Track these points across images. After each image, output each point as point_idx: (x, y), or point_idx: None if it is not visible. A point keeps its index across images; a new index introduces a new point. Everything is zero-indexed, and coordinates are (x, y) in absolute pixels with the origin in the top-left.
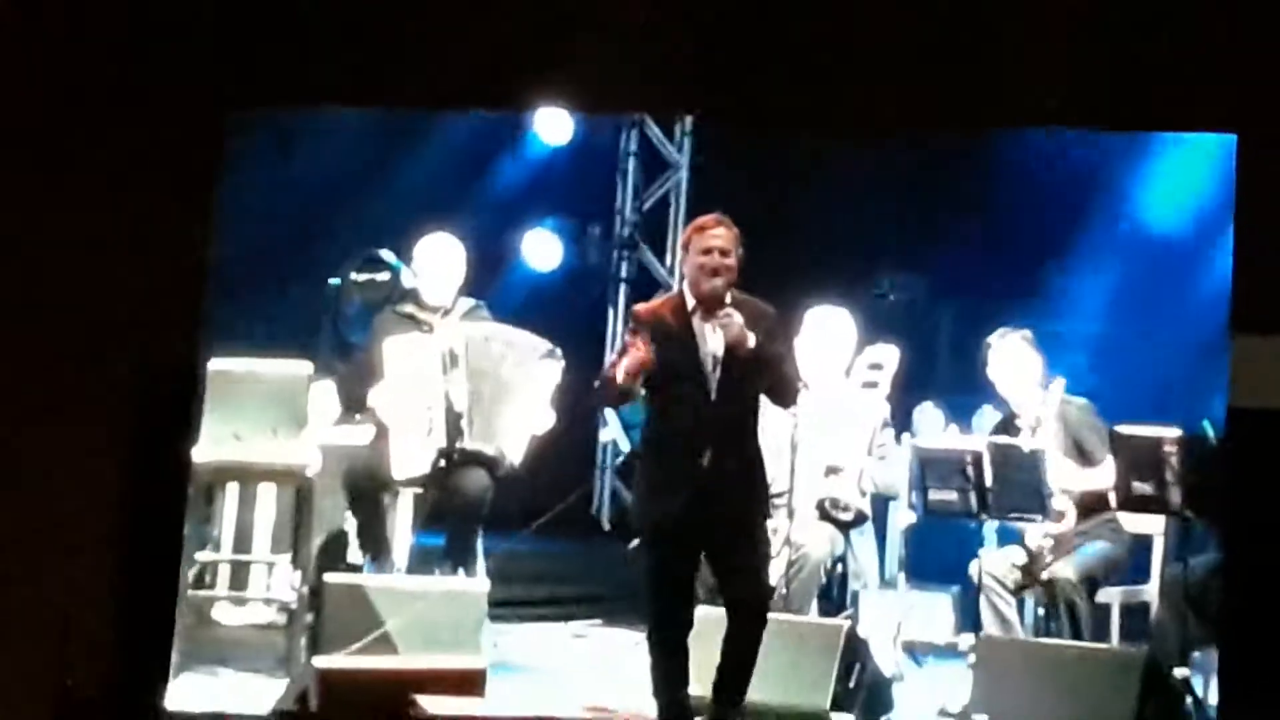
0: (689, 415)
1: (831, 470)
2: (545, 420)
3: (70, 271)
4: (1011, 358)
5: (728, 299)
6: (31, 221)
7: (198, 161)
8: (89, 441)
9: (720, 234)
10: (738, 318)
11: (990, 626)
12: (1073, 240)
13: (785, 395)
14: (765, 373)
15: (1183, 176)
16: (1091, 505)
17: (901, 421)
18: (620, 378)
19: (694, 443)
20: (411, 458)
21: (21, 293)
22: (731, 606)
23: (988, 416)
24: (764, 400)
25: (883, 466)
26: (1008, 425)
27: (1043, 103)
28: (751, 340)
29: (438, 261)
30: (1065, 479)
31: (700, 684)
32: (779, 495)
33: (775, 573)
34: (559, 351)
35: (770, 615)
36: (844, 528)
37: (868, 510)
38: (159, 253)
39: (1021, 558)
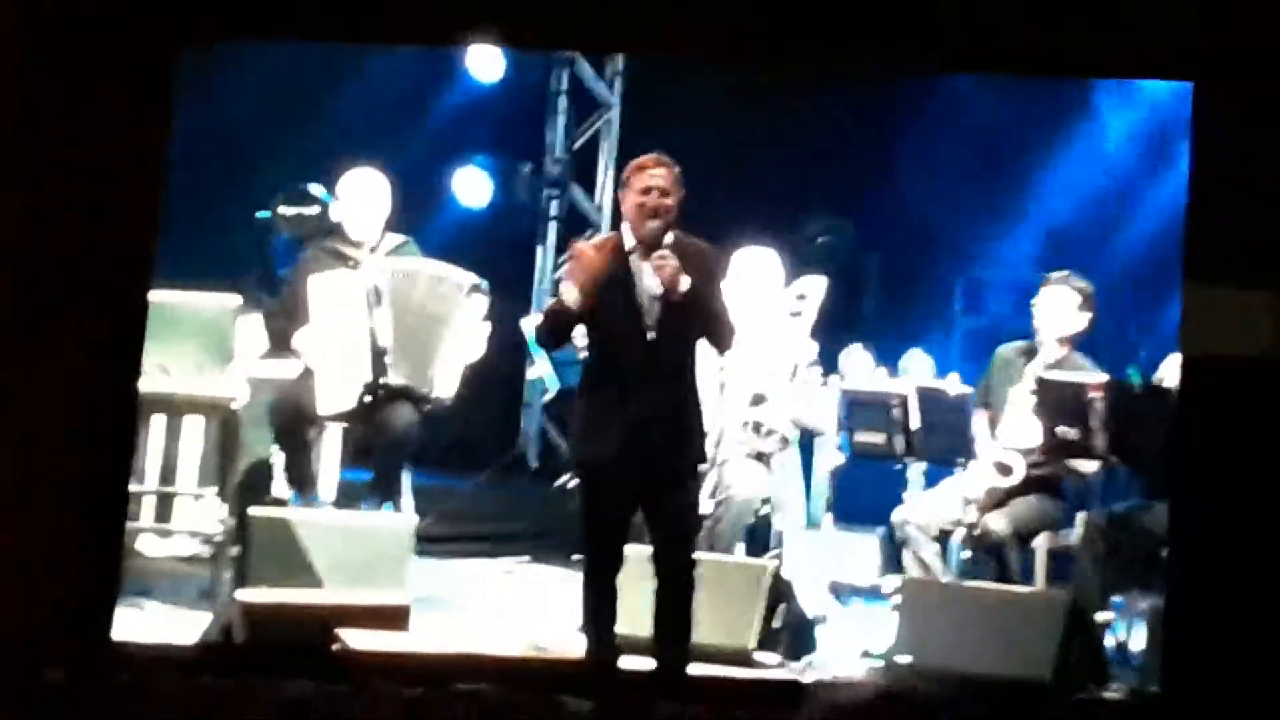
0: (625, 356)
1: (757, 399)
2: (475, 351)
3: (23, 203)
4: (1056, 302)
5: (668, 239)
6: None
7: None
8: (36, 371)
9: (660, 174)
10: (673, 261)
11: (912, 571)
12: (1009, 187)
13: (721, 338)
14: (702, 316)
15: (1123, 123)
16: (1046, 460)
17: (829, 364)
18: (571, 295)
19: (630, 383)
20: (336, 393)
21: None
22: (659, 552)
23: (915, 359)
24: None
25: (808, 400)
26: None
27: (994, 47)
28: (686, 283)
29: (363, 196)
30: (1027, 435)
31: (628, 622)
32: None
33: (702, 513)
34: (485, 285)
35: (697, 555)
36: (767, 459)
37: (791, 437)
38: (113, 183)
39: (952, 504)
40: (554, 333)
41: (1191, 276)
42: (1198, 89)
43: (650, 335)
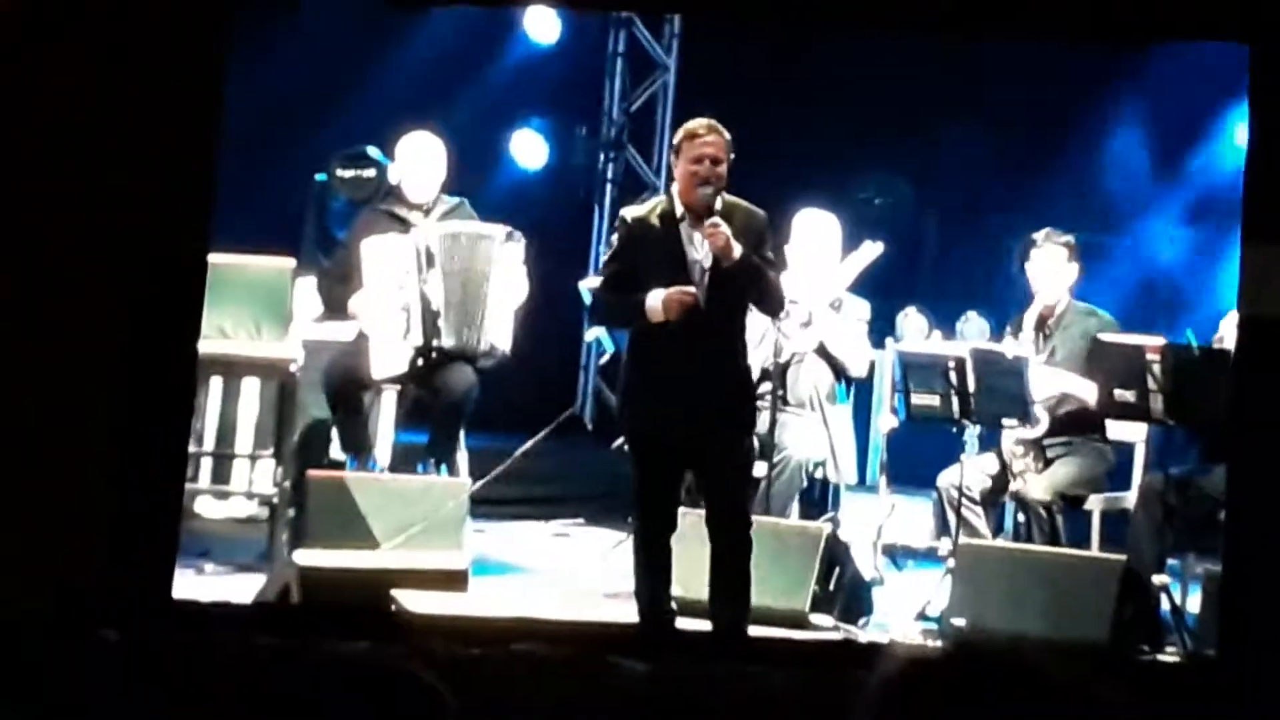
0: (675, 323)
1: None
2: (519, 296)
3: (79, 160)
4: (1048, 260)
5: (718, 205)
6: (35, 108)
7: (204, 54)
8: (96, 331)
9: (712, 141)
10: (725, 228)
11: (960, 535)
12: (1066, 147)
13: (771, 304)
14: (751, 283)
15: (1182, 84)
16: (1080, 420)
17: (887, 327)
18: (656, 314)
19: (679, 349)
20: (390, 357)
21: (28, 182)
22: (714, 516)
23: (972, 322)
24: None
25: (845, 334)
26: (1038, 325)
27: (1047, 11)
28: (738, 251)
29: (420, 159)
30: (1048, 386)
31: (680, 585)
32: (762, 398)
33: (757, 474)
34: (517, 234)
35: (752, 518)
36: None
37: (822, 321)
38: (170, 144)
39: (992, 466)
40: (612, 321)
41: (1250, 237)
42: (1255, 51)
43: (700, 300)
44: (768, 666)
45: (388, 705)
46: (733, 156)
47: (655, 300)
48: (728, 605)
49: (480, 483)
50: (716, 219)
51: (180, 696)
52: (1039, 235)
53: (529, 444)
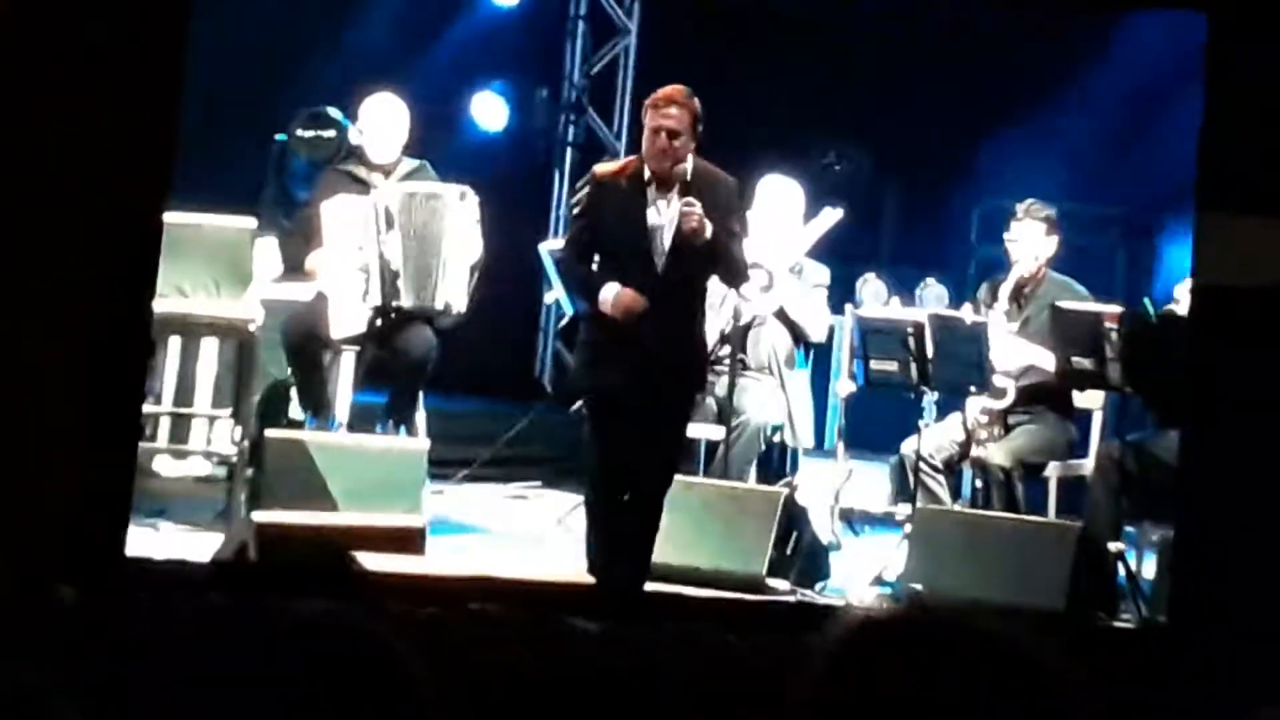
0: (634, 284)
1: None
2: (473, 253)
3: (35, 120)
4: (1028, 233)
5: (686, 172)
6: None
7: (166, 10)
8: (50, 290)
9: (671, 114)
10: (698, 209)
11: (920, 501)
12: (1022, 115)
13: (735, 276)
14: (715, 259)
15: (1139, 51)
16: (1045, 391)
17: (846, 293)
18: (606, 308)
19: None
20: (349, 317)
21: None
22: (645, 476)
23: (931, 289)
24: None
25: (805, 299)
26: (1013, 295)
27: None
28: (709, 231)
29: (382, 120)
30: (1015, 357)
31: (671, 552)
32: (721, 362)
33: (715, 437)
34: (470, 192)
35: (709, 481)
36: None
37: (782, 285)
38: (128, 101)
39: (957, 433)
40: (568, 286)
41: (1204, 205)
42: (1210, 19)
43: (659, 269)
44: (722, 629)
45: (346, 665)
46: (700, 127)
47: (609, 294)
48: (630, 562)
49: (438, 444)
50: (692, 201)
51: (134, 654)
52: (1020, 207)
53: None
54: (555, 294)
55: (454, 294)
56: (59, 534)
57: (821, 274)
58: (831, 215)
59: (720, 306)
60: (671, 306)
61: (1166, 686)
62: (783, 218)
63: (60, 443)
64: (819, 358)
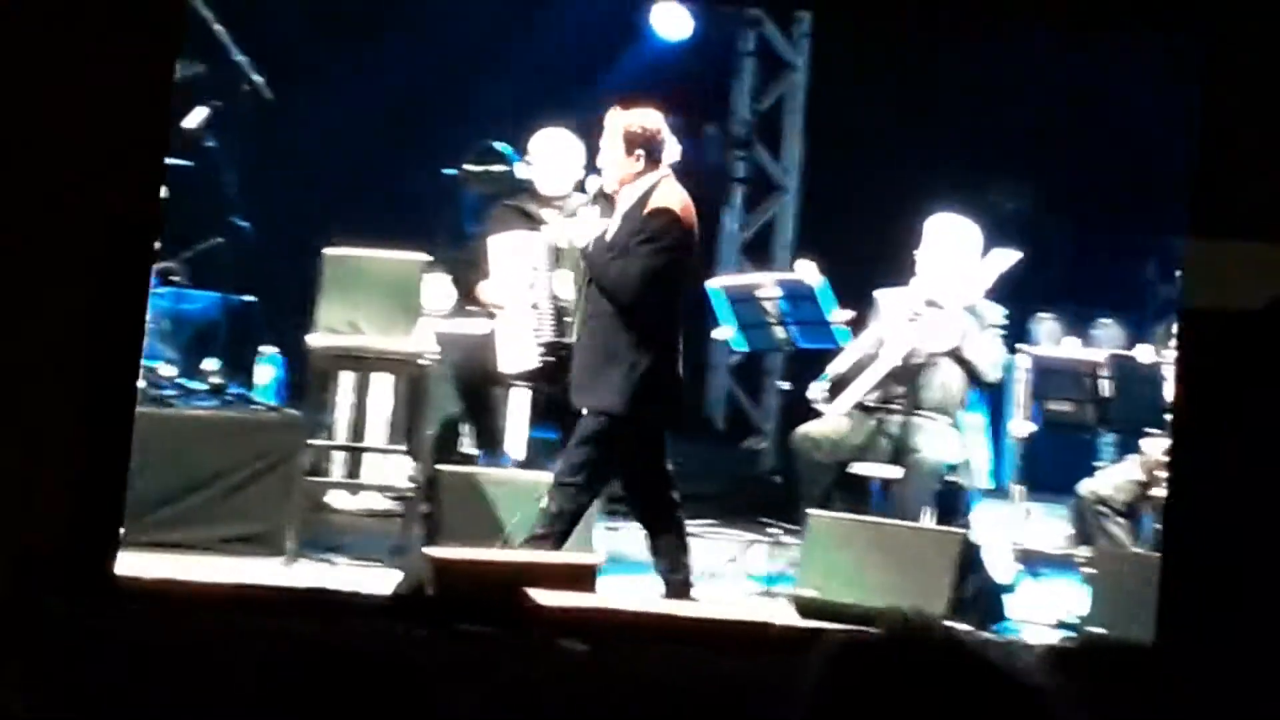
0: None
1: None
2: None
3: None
4: None
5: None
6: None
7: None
8: (46, 301)
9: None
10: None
11: (1099, 543)
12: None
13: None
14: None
15: None
16: None
17: (1021, 333)
18: None
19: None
20: (519, 353)
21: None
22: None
23: (1106, 329)
24: None
25: (981, 338)
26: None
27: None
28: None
29: (554, 155)
30: None
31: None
32: (899, 399)
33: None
34: None
35: (884, 520)
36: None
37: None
38: (123, 106)
39: (1136, 474)
40: None
41: (1195, 233)
42: (1209, 46)
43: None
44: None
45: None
46: (614, 138)
47: None
48: None
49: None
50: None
51: (120, 670)
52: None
53: None
54: (724, 332)
55: None
56: (49, 547)
57: (996, 314)
58: (1008, 256)
59: (891, 345)
60: (596, 317)
61: (1157, 708)
62: (956, 257)
63: (58, 458)
64: (994, 398)
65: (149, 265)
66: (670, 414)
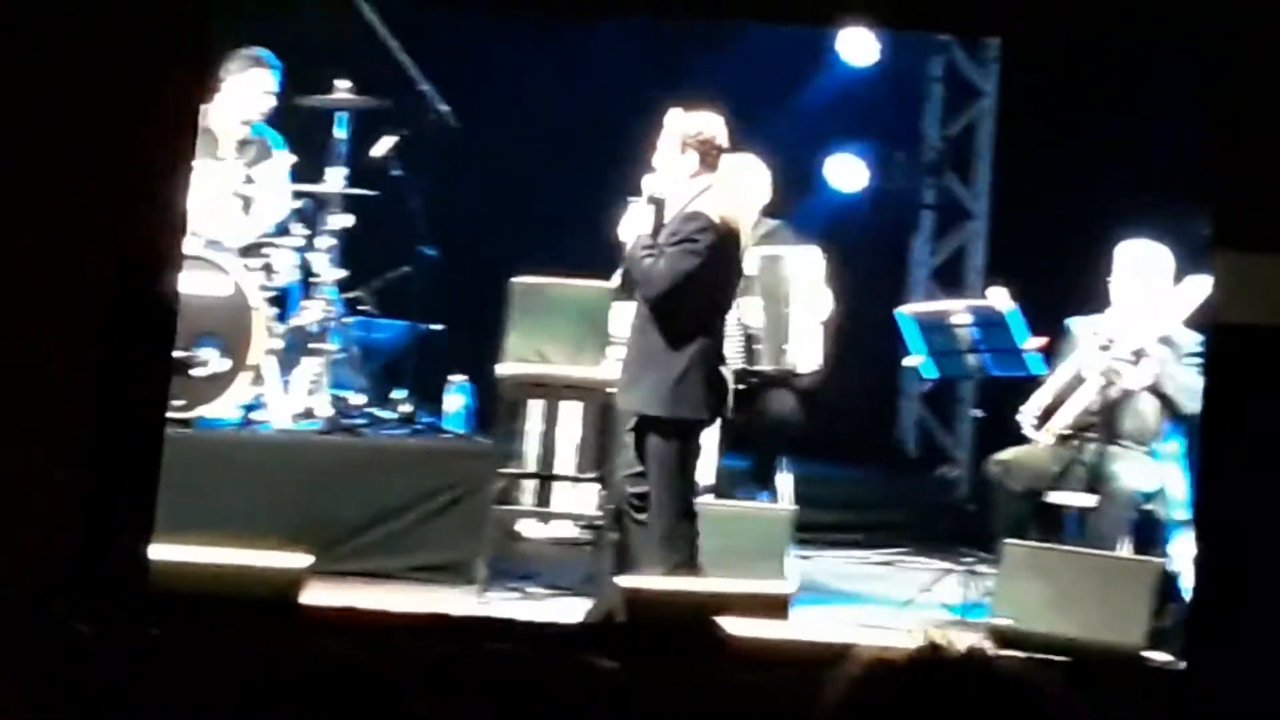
0: None
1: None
2: (825, 308)
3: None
4: None
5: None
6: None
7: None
8: (71, 315)
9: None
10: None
11: None
12: None
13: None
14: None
15: None
16: None
17: None
18: None
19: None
20: None
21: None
22: None
23: None
24: None
25: (1176, 372)
26: None
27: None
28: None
29: (740, 181)
30: None
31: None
32: (1095, 428)
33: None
34: (813, 247)
35: (1080, 550)
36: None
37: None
38: (148, 145)
39: None
40: None
41: (1222, 245)
42: (1222, 55)
43: None
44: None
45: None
46: (670, 139)
47: None
48: None
49: (803, 509)
50: None
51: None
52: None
53: None
54: (915, 359)
55: (810, 353)
56: (79, 565)
57: (1192, 341)
58: (1204, 284)
59: (1087, 377)
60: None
61: None
62: (1150, 285)
63: (83, 472)
64: (1192, 426)
65: (177, 268)
66: (706, 418)
